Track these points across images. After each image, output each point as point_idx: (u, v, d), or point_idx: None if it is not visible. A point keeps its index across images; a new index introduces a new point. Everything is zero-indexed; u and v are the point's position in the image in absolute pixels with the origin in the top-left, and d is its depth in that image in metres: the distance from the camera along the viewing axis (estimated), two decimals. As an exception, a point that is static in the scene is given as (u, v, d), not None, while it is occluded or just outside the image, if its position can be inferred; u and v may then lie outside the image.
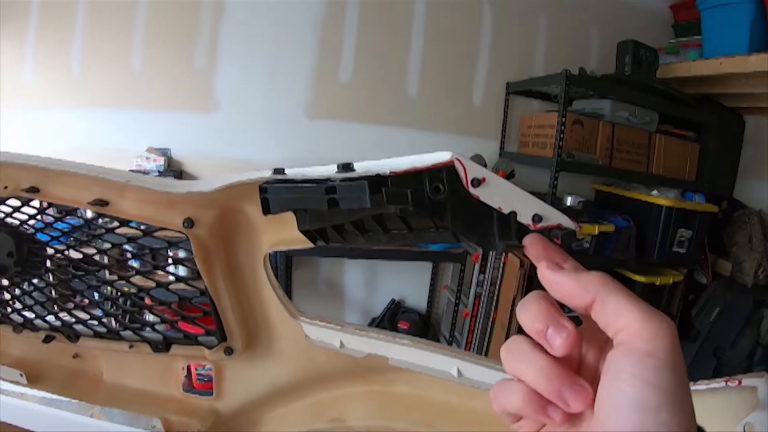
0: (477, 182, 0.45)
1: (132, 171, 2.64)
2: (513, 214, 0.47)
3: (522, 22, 3.07)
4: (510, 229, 0.47)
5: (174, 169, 2.77)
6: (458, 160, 0.45)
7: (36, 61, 2.72)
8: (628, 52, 2.86)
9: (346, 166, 0.51)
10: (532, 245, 0.38)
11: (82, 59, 2.72)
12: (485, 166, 2.78)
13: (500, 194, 0.46)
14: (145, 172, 2.62)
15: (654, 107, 2.87)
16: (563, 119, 2.48)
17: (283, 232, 0.73)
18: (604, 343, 0.31)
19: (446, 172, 0.46)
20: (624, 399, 0.25)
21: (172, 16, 2.74)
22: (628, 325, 0.28)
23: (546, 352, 0.31)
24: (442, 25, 2.96)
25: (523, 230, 0.48)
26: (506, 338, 2.61)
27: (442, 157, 0.45)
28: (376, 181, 0.50)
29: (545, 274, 0.33)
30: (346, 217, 0.60)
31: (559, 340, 0.30)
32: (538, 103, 3.14)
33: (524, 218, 0.47)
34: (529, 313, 0.32)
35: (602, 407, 0.27)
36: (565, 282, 0.32)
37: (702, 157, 3.04)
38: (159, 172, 2.66)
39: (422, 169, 0.46)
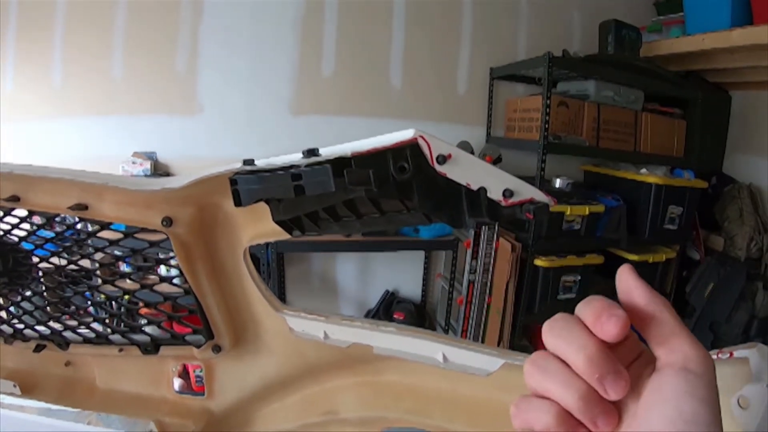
0: (442, 159, 0.44)
1: (118, 176, 2.61)
2: (482, 190, 0.46)
3: (503, 7, 3.05)
4: (480, 205, 0.47)
5: (160, 173, 2.75)
6: (422, 137, 0.44)
7: (16, 73, 2.68)
8: (610, 32, 2.85)
9: (311, 152, 0.50)
10: (624, 277, 0.35)
11: (62, 69, 2.69)
12: (472, 152, 2.77)
13: (468, 170, 0.45)
14: (132, 177, 2.60)
15: (639, 86, 2.86)
16: (548, 102, 2.48)
17: (260, 225, 0.72)
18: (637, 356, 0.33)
19: (410, 150, 0.45)
20: (680, 415, 0.28)
21: (151, 21, 2.70)
22: (681, 345, 0.31)
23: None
24: (423, 13, 2.94)
25: (494, 206, 0.47)
26: (502, 323, 2.61)
27: (405, 135, 0.44)
28: (340, 164, 0.49)
29: (627, 271, 0.34)
30: (317, 204, 0.59)
31: (616, 321, 0.30)
32: (522, 87, 3.12)
33: (494, 194, 0.46)
34: (589, 306, 0.32)
35: (655, 419, 0.29)
36: (642, 289, 0.33)
37: (689, 134, 3.04)
38: (145, 176, 2.64)
39: (386, 149, 0.45)
